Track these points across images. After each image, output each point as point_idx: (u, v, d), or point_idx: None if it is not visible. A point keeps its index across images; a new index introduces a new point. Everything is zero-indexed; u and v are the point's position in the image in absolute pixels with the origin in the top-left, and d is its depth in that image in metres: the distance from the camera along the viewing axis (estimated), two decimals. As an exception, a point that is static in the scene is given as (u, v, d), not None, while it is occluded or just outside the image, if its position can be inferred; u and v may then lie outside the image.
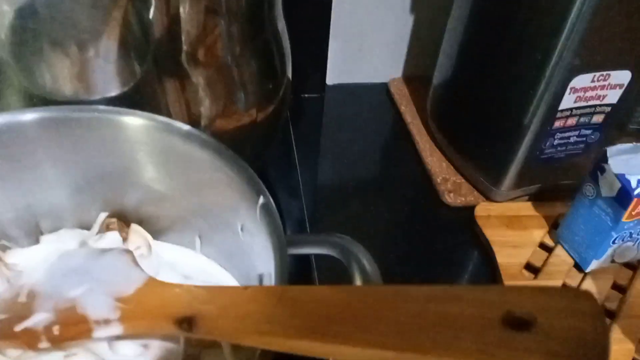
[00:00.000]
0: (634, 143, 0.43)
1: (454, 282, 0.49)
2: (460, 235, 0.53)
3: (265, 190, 0.30)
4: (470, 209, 0.54)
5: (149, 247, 0.36)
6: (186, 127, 0.33)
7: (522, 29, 0.46)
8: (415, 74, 0.72)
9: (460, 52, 0.55)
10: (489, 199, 0.55)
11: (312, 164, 0.61)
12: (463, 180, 0.58)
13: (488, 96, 0.52)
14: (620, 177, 0.42)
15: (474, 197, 0.56)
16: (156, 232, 0.38)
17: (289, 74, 0.47)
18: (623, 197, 0.42)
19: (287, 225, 0.53)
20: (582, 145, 0.50)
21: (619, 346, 0.42)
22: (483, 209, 0.54)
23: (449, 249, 0.52)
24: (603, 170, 0.43)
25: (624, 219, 0.43)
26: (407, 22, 0.68)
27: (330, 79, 0.72)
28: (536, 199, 0.55)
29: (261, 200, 0.29)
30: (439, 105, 0.62)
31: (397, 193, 0.59)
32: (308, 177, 0.59)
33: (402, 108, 0.68)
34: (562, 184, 0.53)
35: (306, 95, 0.71)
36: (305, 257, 0.49)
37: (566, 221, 0.49)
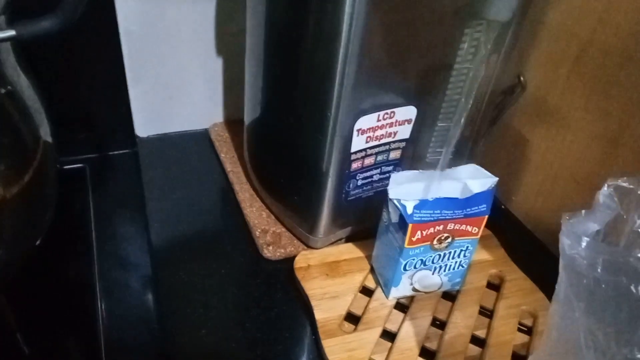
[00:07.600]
0: (420, 170, 0.43)
1: (276, 344, 0.45)
2: (281, 292, 0.49)
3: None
4: (291, 261, 0.50)
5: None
6: None
7: (298, 78, 0.44)
8: (237, 117, 0.69)
9: (259, 94, 0.52)
10: (308, 246, 0.52)
11: (114, 232, 0.54)
12: (284, 229, 0.54)
13: (289, 142, 0.49)
14: (397, 203, 0.41)
15: (294, 247, 0.52)
16: None
17: (47, 137, 0.41)
18: (402, 222, 0.41)
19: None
20: (387, 182, 0.49)
21: (437, 392, 0.41)
22: (303, 259, 0.50)
23: (270, 308, 0.48)
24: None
25: (405, 245, 0.42)
26: (215, 64, 0.65)
27: (142, 131, 0.66)
28: (357, 238, 0.53)
29: None
30: (252, 150, 0.58)
31: (217, 250, 0.53)
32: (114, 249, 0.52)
33: (222, 156, 0.64)
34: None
35: (115, 153, 0.64)
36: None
37: (375, 252, 0.48)
